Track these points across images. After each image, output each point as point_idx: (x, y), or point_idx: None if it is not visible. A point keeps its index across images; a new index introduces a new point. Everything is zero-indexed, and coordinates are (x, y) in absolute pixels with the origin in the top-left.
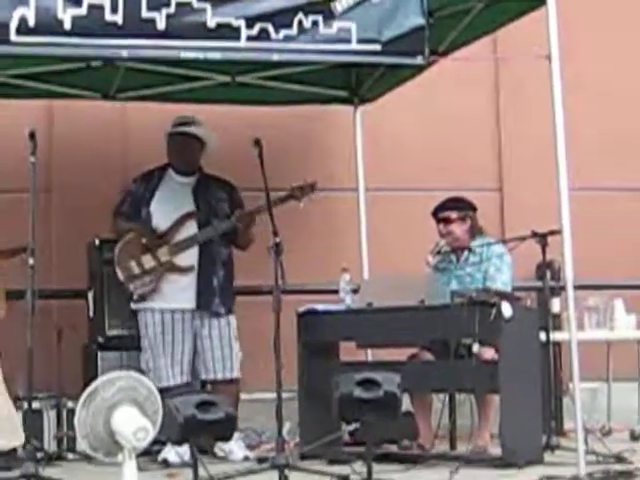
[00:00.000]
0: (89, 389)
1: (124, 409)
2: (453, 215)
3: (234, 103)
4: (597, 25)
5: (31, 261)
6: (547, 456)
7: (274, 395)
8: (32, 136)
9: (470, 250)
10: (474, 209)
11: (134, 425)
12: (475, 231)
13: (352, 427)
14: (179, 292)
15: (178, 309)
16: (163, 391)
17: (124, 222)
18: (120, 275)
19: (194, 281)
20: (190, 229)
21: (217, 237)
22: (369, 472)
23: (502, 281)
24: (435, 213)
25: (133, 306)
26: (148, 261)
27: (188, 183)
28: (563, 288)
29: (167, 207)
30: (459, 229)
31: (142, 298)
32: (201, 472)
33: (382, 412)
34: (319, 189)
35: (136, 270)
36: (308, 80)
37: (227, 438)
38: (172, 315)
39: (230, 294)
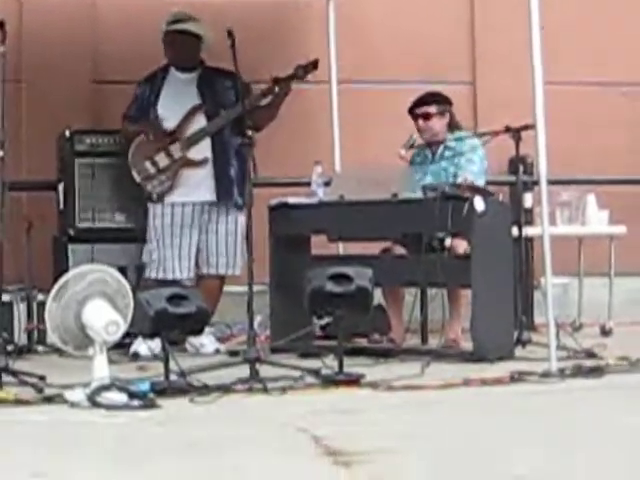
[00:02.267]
0: (59, 283)
1: (95, 302)
2: (432, 110)
3: None
4: None
5: (0, 153)
6: (518, 351)
7: (244, 288)
8: (1, 26)
9: (445, 145)
10: (451, 104)
11: (105, 319)
12: (453, 126)
13: (324, 322)
14: (197, 186)
15: (189, 202)
16: (169, 283)
17: (132, 125)
18: (136, 176)
19: (211, 173)
20: (199, 122)
21: (228, 126)
22: (340, 366)
23: (472, 171)
24: (413, 109)
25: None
26: (162, 159)
27: (192, 78)
28: (536, 183)
29: (174, 105)
30: (439, 124)
31: (161, 197)
32: (172, 366)
33: (354, 306)
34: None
35: (152, 170)
36: None
37: (198, 332)
38: (183, 208)
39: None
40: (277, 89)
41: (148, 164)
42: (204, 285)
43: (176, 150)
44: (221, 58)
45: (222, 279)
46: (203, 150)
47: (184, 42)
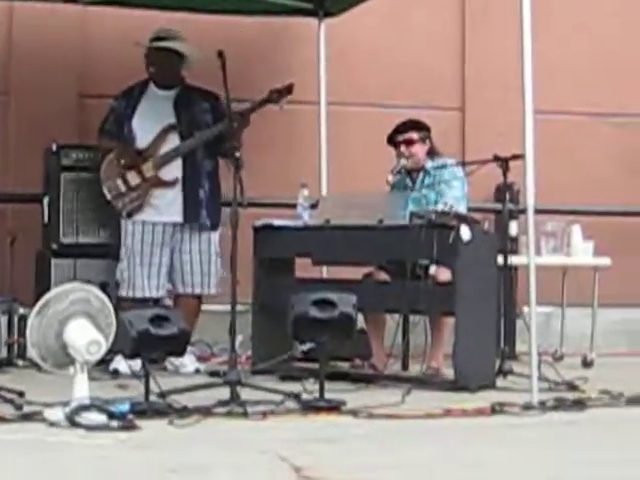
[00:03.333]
0: (42, 300)
1: (77, 322)
2: (415, 136)
3: (197, 12)
4: None
5: None
6: (499, 381)
7: (226, 307)
8: None
9: (425, 172)
10: (430, 131)
11: (87, 338)
12: (432, 153)
13: (306, 347)
14: (166, 206)
15: (160, 222)
16: (138, 301)
17: (107, 140)
18: (107, 193)
19: (180, 194)
20: (172, 142)
21: (201, 148)
22: (321, 391)
23: (454, 196)
24: (394, 135)
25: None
26: (133, 177)
27: (169, 96)
28: (522, 211)
29: (149, 121)
30: (421, 150)
31: (130, 215)
32: (152, 385)
33: (337, 333)
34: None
35: (122, 188)
36: None
37: (180, 354)
38: (153, 227)
39: (216, 207)
40: (235, 123)
41: (119, 181)
42: (182, 304)
43: (148, 169)
44: (210, 78)
45: (199, 298)
46: (174, 170)
47: (166, 59)
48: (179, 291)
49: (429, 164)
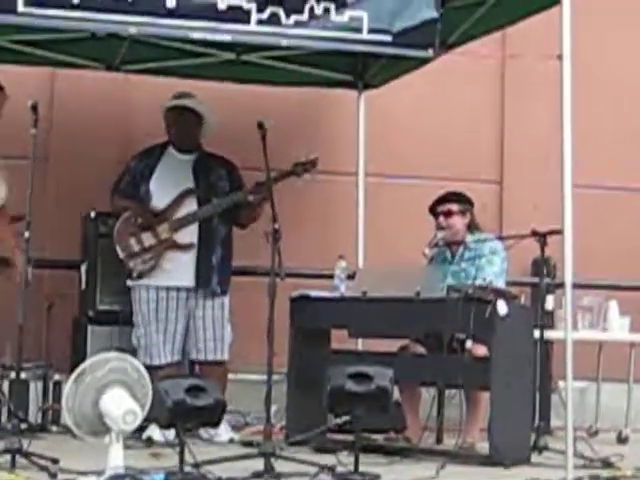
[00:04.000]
0: (80, 368)
1: (114, 391)
2: (454, 208)
3: (238, 81)
4: (603, 24)
5: (27, 234)
6: (534, 457)
7: (261, 377)
8: (34, 108)
9: (465, 246)
10: (472, 204)
11: (123, 408)
12: (472, 227)
13: (341, 420)
14: (178, 270)
15: (174, 287)
16: (154, 369)
17: (122, 200)
18: (120, 252)
19: (193, 259)
20: (190, 206)
21: (217, 215)
22: (356, 465)
23: (492, 272)
24: (434, 206)
25: (130, 283)
26: (148, 238)
27: (188, 160)
28: (558, 286)
29: (167, 184)
30: (460, 222)
31: (141, 275)
32: (186, 455)
33: (373, 406)
34: (319, 172)
35: (136, 248)
36: (313, 62)
37: (215, 424)
38: (167, 293)
39: (227, 274)
40: (251, 197)
41: (133, 241)
42: (207, 372)
43: (163, 231)
44: (250, 148)
45: (222, 364)
46: (190, 235)
47: (184, 118)
48: (192, 357)
49: (469, 238)
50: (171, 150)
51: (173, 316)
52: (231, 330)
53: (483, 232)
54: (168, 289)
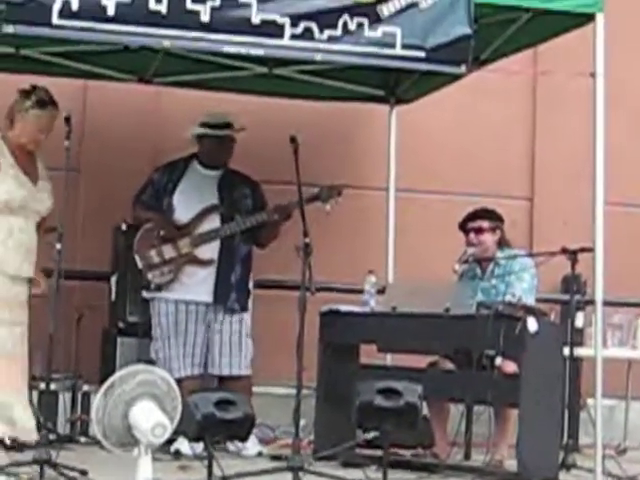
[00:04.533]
0: (109, 380)
1: (143, 404)
2: (485, 225)
3: (270, 95)
4: (635, 42)
5: (58, 246)
6: (562, 474)
7: (289, 391)
8: (67, 120)
9: (495, 262)
10: (502, 221)
11: (152, 421)
12: (503, 243)
13: (370, 436)
14: (196, 284)
15: (193, 301)
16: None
17: (144, 211)
18: (138, 262)
19: (212, 275)
20: (213, 222)
21: (239, 233)
22: None
23: (523, 289)
24: (465, 223)
25: (147, 295)
26: (168, 251)
27: (213, 176)
28: (588, 303)
29: (190, 199)
30: (490, 239)
31: (159, 288)
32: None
33: (401, 422)
34: (350, 186)
35: (156, 259)
36: (345, 77)
37: (244, 438)
38: (186, 306)
39: (246, 291)
40: (276, 216)
41: (153, 252)
42: (229, 387)
43: (185, 245)
44: (279, 162)
45: (244, 379)
46: (211, 251)
47: (223, 147)
48: (209, 371)
49: (499, 254)
50: (196, 165)
51: (192, 329)
52: (252, 345)
53: (513, 249)
54: (187, 303)
